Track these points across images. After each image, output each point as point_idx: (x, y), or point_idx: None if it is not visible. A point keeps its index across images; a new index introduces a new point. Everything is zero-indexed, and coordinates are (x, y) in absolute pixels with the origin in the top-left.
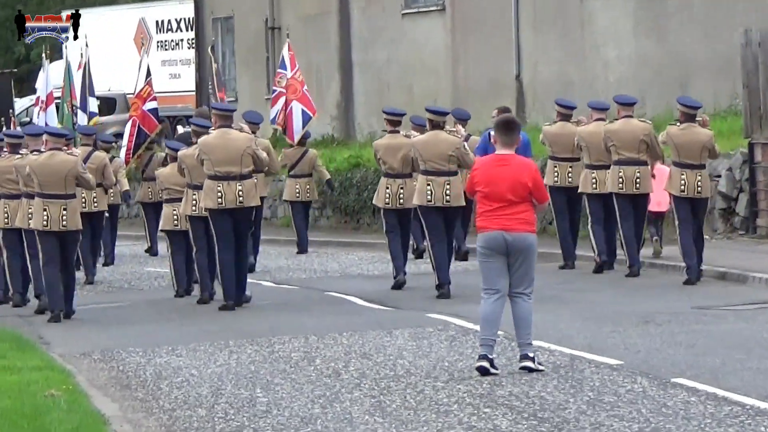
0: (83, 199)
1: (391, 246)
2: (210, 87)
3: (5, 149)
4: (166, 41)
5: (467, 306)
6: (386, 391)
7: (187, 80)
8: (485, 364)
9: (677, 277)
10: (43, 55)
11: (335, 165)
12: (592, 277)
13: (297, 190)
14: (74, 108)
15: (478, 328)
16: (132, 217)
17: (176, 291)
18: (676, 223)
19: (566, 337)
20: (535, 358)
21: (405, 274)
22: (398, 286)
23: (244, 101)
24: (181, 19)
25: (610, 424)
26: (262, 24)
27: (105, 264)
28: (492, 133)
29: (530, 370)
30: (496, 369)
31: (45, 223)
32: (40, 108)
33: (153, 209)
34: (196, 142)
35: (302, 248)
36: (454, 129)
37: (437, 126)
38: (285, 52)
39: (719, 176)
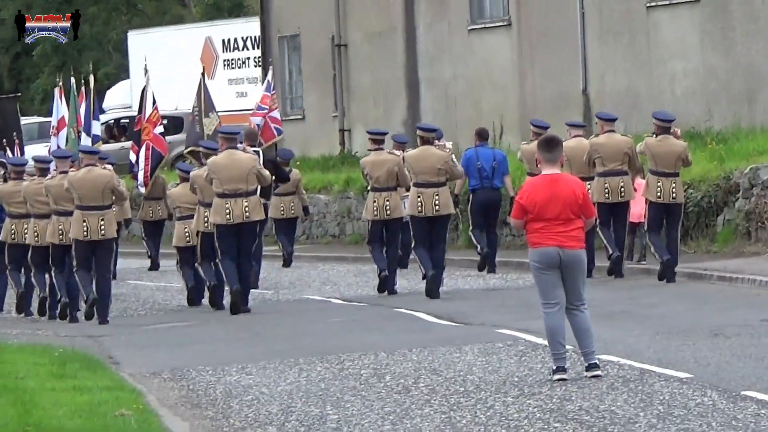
0: None
1: (374, 253)
2: (196, 110)
3: (35, 174)
4: (232, 60)
5: (536, 321)
6: (456, 406)
7: (254, 98)
8: (564, 375)
9: (746, 290)
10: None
11: None
12: (660, 291)
13: (281, 208)
14: (79, 133)
15: (546, 342)
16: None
17: (188, 300)
18: (646, 226)
19: (635, 352)
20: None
21: (387, 272)
22: (383, 283)
23: (310, 119)
24: (247, 38)
25: None
26: (328, 41)
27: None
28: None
29: (600, 377)
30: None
31: (85, 233)
32: (52, 133)
33: (153, 227)
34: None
35: (287, 262)
36: (442, 144)
37: (427, 142)
38: (270, 76)
39: None
